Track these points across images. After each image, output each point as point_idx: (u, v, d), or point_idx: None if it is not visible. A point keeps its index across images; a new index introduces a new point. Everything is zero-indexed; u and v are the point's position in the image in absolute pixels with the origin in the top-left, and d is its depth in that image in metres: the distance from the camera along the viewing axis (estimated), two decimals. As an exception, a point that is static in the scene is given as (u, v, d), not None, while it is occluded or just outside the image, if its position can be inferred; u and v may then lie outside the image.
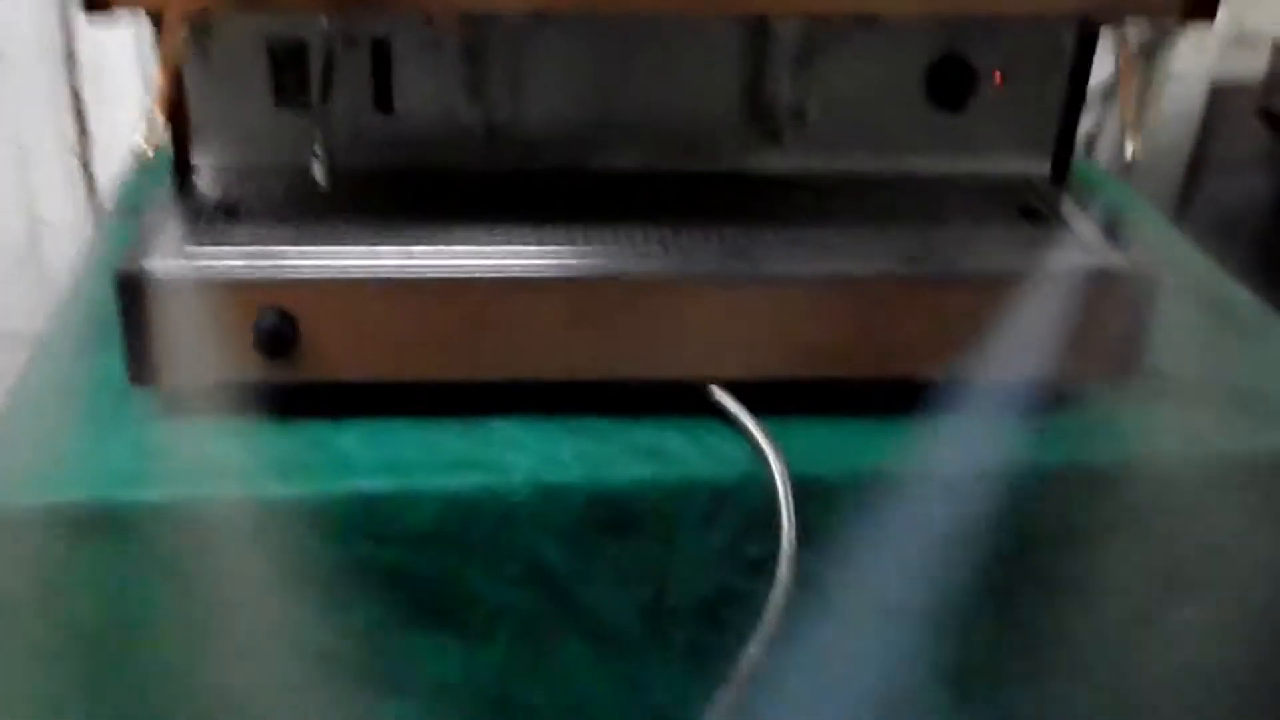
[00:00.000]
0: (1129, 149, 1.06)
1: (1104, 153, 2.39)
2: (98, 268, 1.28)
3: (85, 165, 2.63)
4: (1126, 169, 2.37)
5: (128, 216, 1.38)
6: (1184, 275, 1.42)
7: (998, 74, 1.22)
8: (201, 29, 1.07)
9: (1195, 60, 2.47)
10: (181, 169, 1.15)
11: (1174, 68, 2.15)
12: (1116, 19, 1.07)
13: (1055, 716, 1.22)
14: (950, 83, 1.21)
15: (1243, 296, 1.41)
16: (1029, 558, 1.11)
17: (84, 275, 1.34)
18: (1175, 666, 1.19)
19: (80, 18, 2.09)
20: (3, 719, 1.08)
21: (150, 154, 0.97)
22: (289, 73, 1.15)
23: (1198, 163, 2.54)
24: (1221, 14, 1.99)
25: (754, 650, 1.03)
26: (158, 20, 0.97)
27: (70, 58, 2.55)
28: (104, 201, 2.47)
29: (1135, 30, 1.08)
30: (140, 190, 1.46)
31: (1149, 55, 1.89)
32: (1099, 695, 1.22)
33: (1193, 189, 2.53)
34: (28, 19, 2.43)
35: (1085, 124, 2.09)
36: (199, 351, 1.03)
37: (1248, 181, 2.45)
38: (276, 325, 1.02)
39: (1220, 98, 2.53)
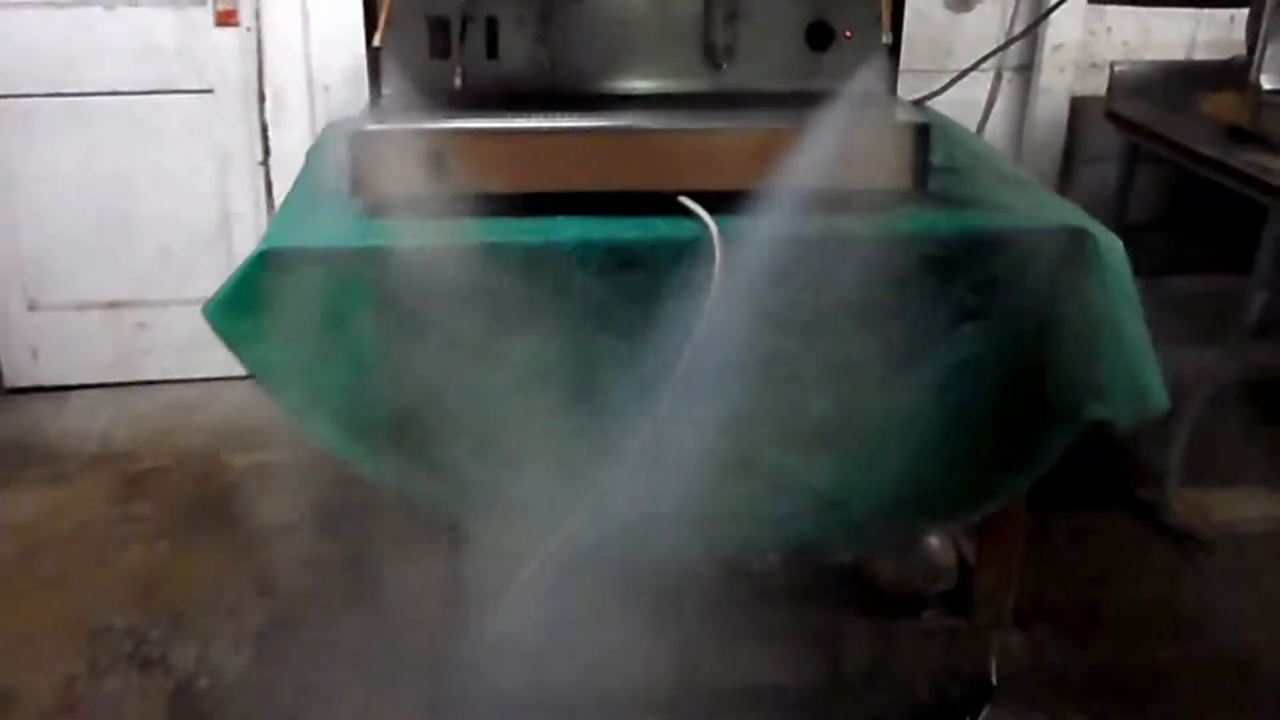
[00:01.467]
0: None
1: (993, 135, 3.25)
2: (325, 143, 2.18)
3: (267, 173, 3.49)
4: (1017, 158, 3.25)
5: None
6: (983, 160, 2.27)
7: (848, 31, 2.09)
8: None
9: (1059, 80, 3.35)
10: (375, 92, 2.04)
11: (1042, 85, 3.05)
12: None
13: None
14: (819, 35, 2.08)
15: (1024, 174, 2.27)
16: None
17: (313, 155, 2.22)
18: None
19: (269, 65, 3.04)
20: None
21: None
22: (438, 35, 2.04)
23: (1069, 156, 3.40)
24: (1076, 46, 2.89)
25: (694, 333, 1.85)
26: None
27: (260, 96, 3.44)
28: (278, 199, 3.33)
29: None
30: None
31: (1025, 74, 2.79)
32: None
33: (1068, 176, 3.38)
34: (232, 66, 3.32)
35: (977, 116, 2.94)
36: (392, 177, 1.92)
37: (1105, 167, 3.30)
38: (436, 159, 1.90)
39: (1079, 107, 3.39)
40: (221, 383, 3.75)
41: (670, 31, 2.06)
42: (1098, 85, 3.34)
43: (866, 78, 1.98)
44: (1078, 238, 1.95)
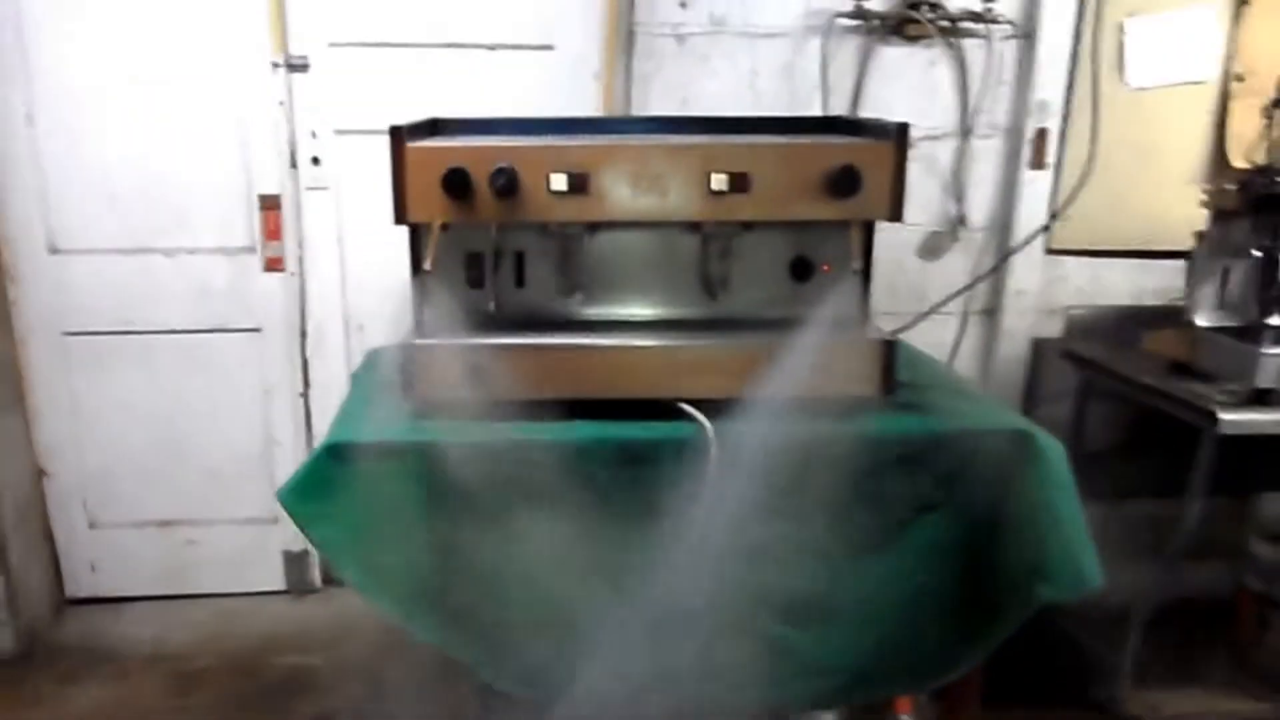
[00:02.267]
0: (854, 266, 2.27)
1: (961, 372, 3.58)
2: (369, 365, 2.53)
3: (306, 403, 3.84)
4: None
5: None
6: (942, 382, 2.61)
7: (825, 265, 2.45)
8: (444, 231, 2.32)
9: (1020, 322, 3.71)
10: (421, 314, 2.38)
11: (1005, 327, 3.43)
12: (859, 223, 2.28)
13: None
14: (801, 269, 2.45)
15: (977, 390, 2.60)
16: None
17: (360, 374, 2.57)
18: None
19: (310, 306, 3.36)
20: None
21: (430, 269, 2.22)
22: (473, 268, 2.40)
23: (1030, 391, 3.73)
24: (1036, 292, 3.26)
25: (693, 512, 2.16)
26: (416, 228, 2.24)
27: (302, 333, 3.77)
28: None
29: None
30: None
31: (990, 317, 3.16)
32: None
33: (1030, 410, 3.70)
34: (278, 306, 3.66)
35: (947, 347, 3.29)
36: (440, 384, 2.25)
37: (1063, 402, 3.61)
38: (479, 370, 2.24)
39: (1039, 347, 3.74)
40: (264, 596, 4.03)
41: (672, 266, 2.42)
42: (1056, 327, 3.73)
43: (841, 303, 2.32)
44: (1021, 438, 2.27)
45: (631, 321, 2.43)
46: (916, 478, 2.28)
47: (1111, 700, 3.30)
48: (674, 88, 3.53)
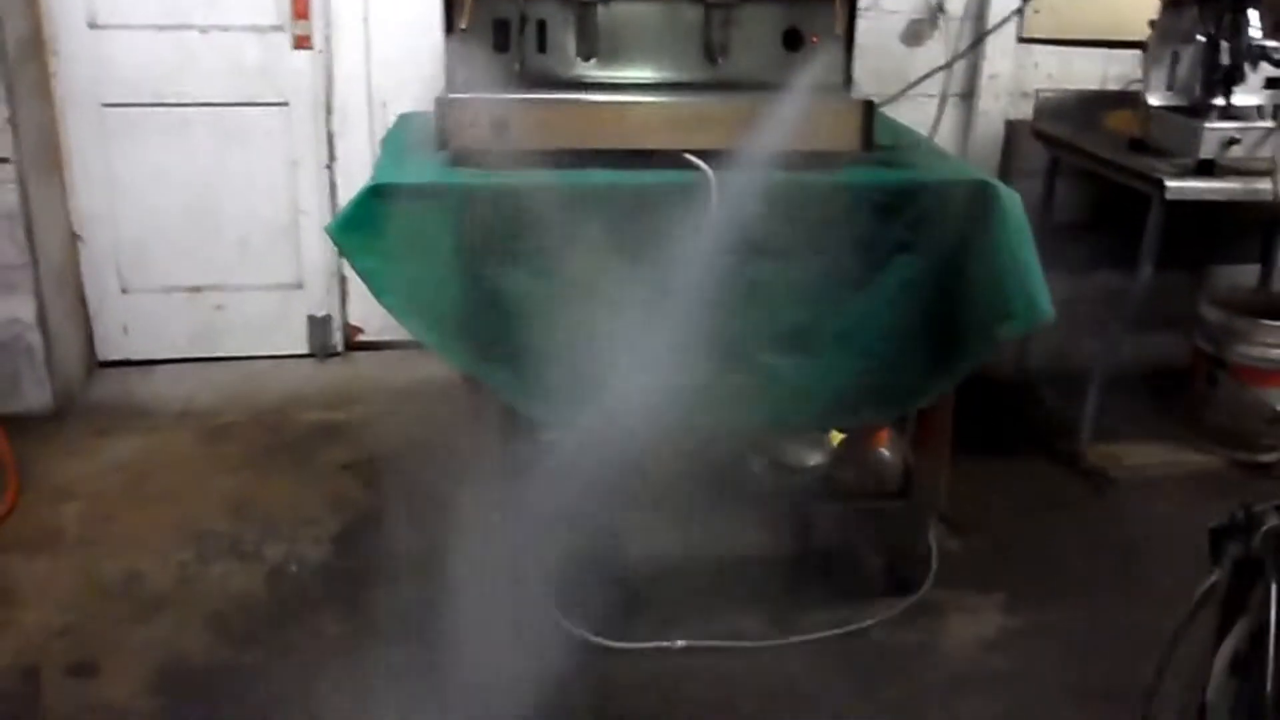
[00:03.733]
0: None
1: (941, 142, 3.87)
2: (400, 126, 2.84)
3: (331, 176, 4.06)
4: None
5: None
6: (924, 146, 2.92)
7: (814, 37, 2.73)
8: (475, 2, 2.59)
9: (994, 105, 4.00)
10: (453, 74, 2.67)
11: (981, 109, 3.73)
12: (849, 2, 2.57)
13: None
14: (792, 39, 2.73)
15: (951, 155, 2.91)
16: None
17: (393, 133, 2.87)
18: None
19: (337, 83, 3.59)
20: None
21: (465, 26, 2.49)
22: (502, 33, 2.67)
23: (1004, 169, 4.03)
24: (1009, 77, 3.54)
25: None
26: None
27: (328, 109, 4.00)
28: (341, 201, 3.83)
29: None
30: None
31: (968, 100, 3.44)
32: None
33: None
34: (305, 83, 3.88)
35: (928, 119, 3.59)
36: (469, 133, 2.55)
37: (1036, 180, 3.91)
38: (500, 121, 2.53)
39: (1012, 128, 4.05)
40: (289, 359, 4.28)
41: (677, 34, 2.70)
42: (1028, 110, 4.03)
43: (826, 68, 2.63)
44: (984, 188, 2.59)
45: (641, 83, 2.70)
46: (891, 223, 2.58)
47: (1074, 454, 3.64)
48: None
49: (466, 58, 2.61)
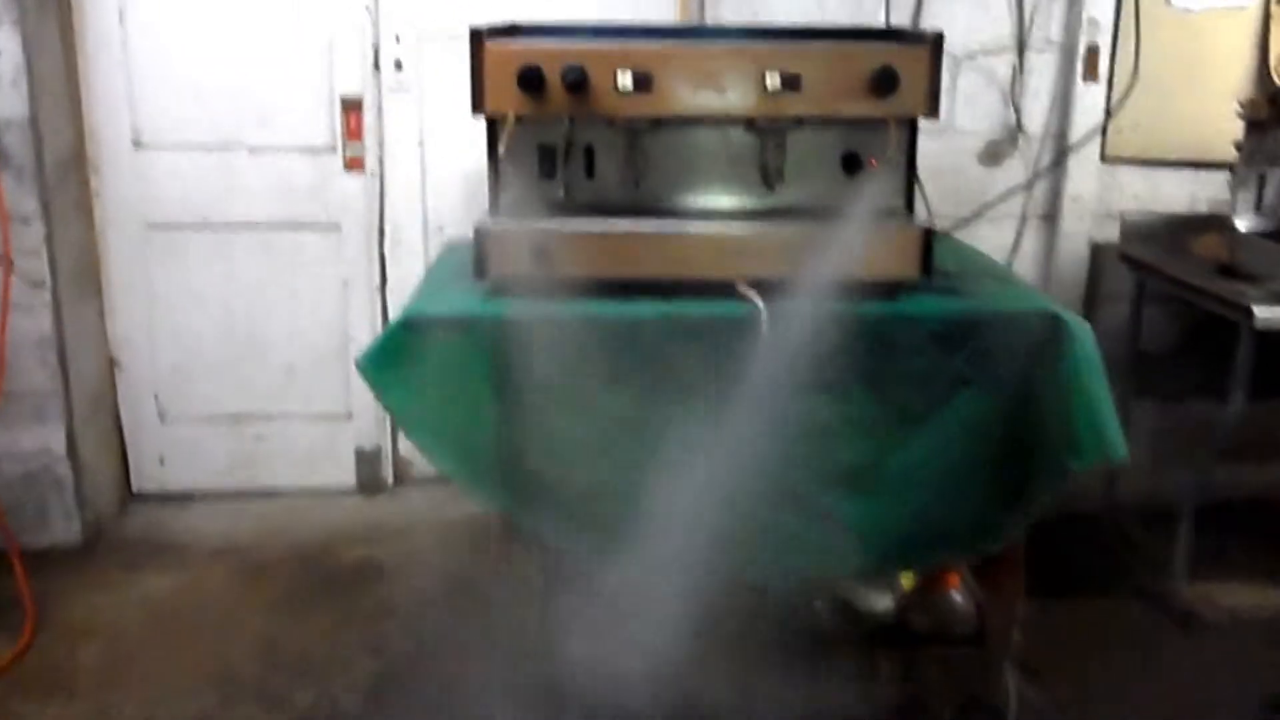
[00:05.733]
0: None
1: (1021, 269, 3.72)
2: (446, 255, 2.71)
3: (383, 300, 3.95)
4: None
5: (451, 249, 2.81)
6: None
7: (873, 160, 2.59)
8: (519, 128, 2.48)
9: (1078, 227, 3.84)
10: (494, 208, 2.54)
11: (1064, 232, 3.58)
12: (896, 120, 2.43)
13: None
14: (851, 163, 2.59)
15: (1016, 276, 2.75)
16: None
17: (437, 262, 2.75)
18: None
19: (390, 206, 3.54)
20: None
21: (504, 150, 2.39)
22: (547, 160, 2.56)
23: (1090, 295, 3.85)
24: (1093, 198, 3.39)
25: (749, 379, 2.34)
26: (495, 121, 2.41)
27: (381, 232, 3.92)
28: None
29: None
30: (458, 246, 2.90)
31: (1050, 222, 3.32)
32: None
33: (1090, 312, 3.81)
34: (358, 205, 3.82)
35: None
36: (511, 263, 2.43)
37: (1123, 304, 3.73)
38: (542, 251, 2.41)
39: (1098, 252, 3.89)
40: (334, 493, 4.11)
41: (729, 159, 2.58)
42: (1113, 233, 3.85)
43: (885, 194, 2.51)
44: (1053, 319, 2.44)
45: (692, 210, 2.58)
46: (953, 355, 2.44)
47: (1165, 593, 3.42)
48: (746, 2, 3.67)
49: (510, 184, 2.51)
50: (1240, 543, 3.65)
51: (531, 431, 2.38)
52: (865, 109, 2.44)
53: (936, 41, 2.42)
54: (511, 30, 2.49)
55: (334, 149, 3.83)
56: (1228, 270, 3.31)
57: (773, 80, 2.41)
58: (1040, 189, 3.88)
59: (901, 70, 2.39)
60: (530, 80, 2.37)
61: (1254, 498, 3.74)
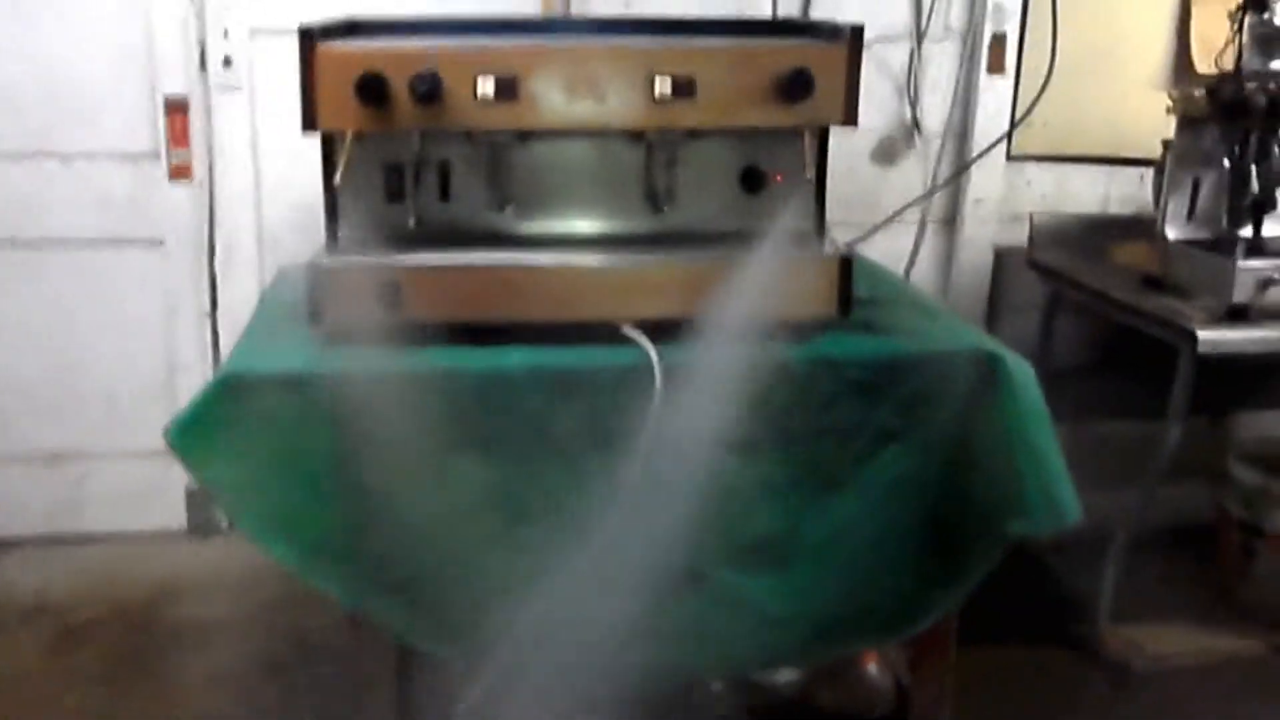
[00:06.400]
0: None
1: (921, 283, 3.41)
2: (279, 285, 2.29)
3: (214, 325, 3.56)
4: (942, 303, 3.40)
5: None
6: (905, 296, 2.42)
7: (778, 175, 2.23)
8: (358, 143, 2.08)
9: (981, 231, 3.53)
10: (332, 236, 2.14)
11: (965, 236, 3.25)
12: (812, 129, 2.08)
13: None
14: (752, 179, 2.23)
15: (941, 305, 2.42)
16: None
17: (268, 295, 2.33)
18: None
19: (220, 219, 3.09)
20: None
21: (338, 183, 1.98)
22: (394, 179, 2.16)
23: (993, 303, 3.56)
24: (997, 199, 3.09)
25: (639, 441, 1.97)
26: (329, 137, 2.01)
27: (210, 248, 3.51)
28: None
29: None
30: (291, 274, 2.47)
31: (950, 226, 2.98)
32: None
33: (993, 323, 3.54)
34: (184, 219, 3.41)
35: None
36: (350, 307, 2.03)
37: (1028, 315, 3.44)
38: (389, 294, 2.01)
39: (1002, 256, 3.57)
40: (163, 537, 3.73)
41: (612, 177, 2.20)
42: (1018, 236, 3.52)
43: (794, 216, 2.13)
44: (989, 361, 2.10)
45: (568, 238, 2.21)
46: (877, 406, 2.09)
47: (1090, 638, 3.15)
48: (617, -8, 3.27)
49: (350, 211, 2.13)
50: (1166, 579, 3.40)
51: (379, 509, 1.99)
52: (774, 118, 2.07)
53: (855, 36, 2.06)
54: (349, 29, 2.10)
55: (157, 156, 3.42)
56: (1155, 283, 3.02)
57: (662, 85, 2.02)
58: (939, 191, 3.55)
59: (816, 72, 2.03)
60: (371, 89, 1.96)
61: (1175, 523, 3.45)
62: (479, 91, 1.99)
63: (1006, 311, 3.58)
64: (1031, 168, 3.58)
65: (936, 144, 3.54)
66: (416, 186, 2.14)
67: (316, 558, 2.00)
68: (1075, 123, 3.49)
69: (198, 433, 1.95)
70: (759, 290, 2.02)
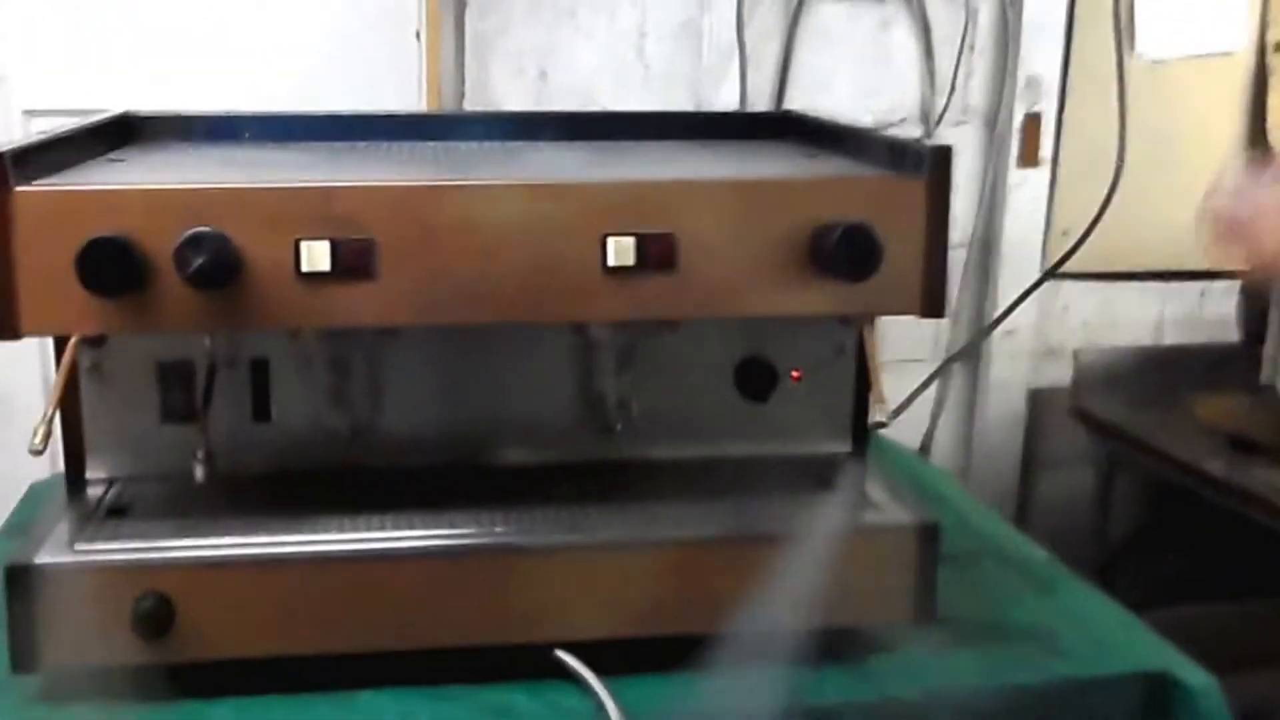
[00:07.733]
0: (874, 415, 1.22)
1: (938, 454, 2.60)
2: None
3: None
4: (964, 471, 2.60)
5: (16, 531, 1.48)
6: (978, 535, 1.59)
7: (795, 372, 1.39)
8: (96, 348, 1.22)
9: (1012, 369, 2.72)
10: (75, 479, 1.28)
11: (993, 377, 2.44)
12: (868, 318, 1.25)
13: None
14: (756, 378, 1.39)
15: (1036, 554, 1.58)
16: None
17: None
18: None
19: None
20: None
21: (41, 448, 1.10)
22: (176, 389, 1.30)
23: (1028, 461, 2.77)
24: (1029, 331, 2.29)
25: None
26: (60, 342, 1.14)
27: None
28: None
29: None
30: (32, 509, 1.57)
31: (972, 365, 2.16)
32: None
33: (1028, 485, 2.76)
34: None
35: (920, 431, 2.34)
36: (81, 638, 1.14)
37: (1070, 474, 2.72)
38: (154, 608, 1.13)
39: (1038, 401, 2.78)
40: None
41: (536, 381, 1.38)
42: (1057, 373, 2.78)
43: (820, 438, 1.39)
44: (1160, 686, 1.31)
45: (459, 486, 1.34)
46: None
47: None
48: (527, 54, 2.48)
49: (97, 447, 1.31)
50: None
51: None
52: (807, 302, 1.22)
53: (941, 163, 1.21)
54: (120, 126, 1.35)
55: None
56: (1247, 445, 2.36)
57: (619, 250, 1.17)
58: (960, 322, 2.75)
59: (882, 227, 1.18)
60: (104, 268, 1.09)
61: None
62: (303, 263, 1.13)
63: (1042, 468, 2.82)
64: (1070, 287, 2.78)
65: (957, 257, 2.70)
66: (208, 403, 1.29)
67: None
68: (1126, 228, 2.66)
69: None
70: (788, 586, 1.19)
